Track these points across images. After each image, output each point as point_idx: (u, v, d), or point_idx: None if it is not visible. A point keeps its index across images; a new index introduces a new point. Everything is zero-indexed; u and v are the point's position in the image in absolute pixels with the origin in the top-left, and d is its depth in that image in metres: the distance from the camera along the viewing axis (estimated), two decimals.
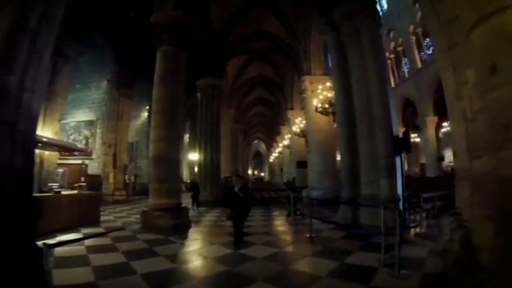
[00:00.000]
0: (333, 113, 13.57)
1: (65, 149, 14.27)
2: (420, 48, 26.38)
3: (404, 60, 28.99)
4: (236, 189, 7.11)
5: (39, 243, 3.42)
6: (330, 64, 13.76)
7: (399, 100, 27.50)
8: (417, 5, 23.79)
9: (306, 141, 18.72)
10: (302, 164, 16.13)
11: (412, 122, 28.04)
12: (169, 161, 9.27)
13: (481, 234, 3.09)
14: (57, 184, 10.62)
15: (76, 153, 16.33)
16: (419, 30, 25.62)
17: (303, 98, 17.77)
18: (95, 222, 9.53)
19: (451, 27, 3.54)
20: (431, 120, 25.02)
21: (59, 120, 15.20)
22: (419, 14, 24.40)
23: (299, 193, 14.35)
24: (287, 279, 4.64)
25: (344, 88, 10.03)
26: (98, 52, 17.47)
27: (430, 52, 24.85)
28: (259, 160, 78.94)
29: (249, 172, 64.08)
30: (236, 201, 6.91)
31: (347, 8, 9.61)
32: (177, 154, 9.80)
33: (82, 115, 18.90)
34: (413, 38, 26.58)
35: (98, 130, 18.36)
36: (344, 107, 10.02)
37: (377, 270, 4.73)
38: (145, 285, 4.26)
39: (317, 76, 16.58)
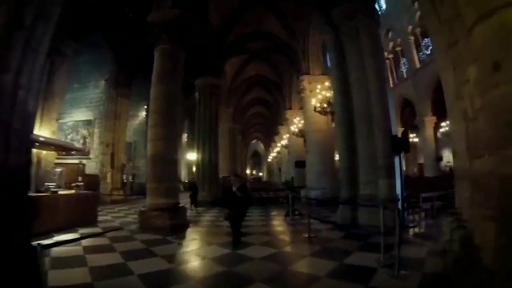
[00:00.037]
0: (332, 113, 13.55)
1: (63, 149, 14.20)
2: (418, 48, 26.41)
3: (403, 60, 29.01)
4: (234, 188, 7.06)
5: (34, 243, 3.36)
6: (328, 64, 13.73)
7: (398, 100, 27.53)
8: (415, 5, 23.87)
9: (305, 141, 18.71)
10: (300, 164, 16.11)
11: (411, 122, 28.06)
12: (167, 160, 9.22)
13: (482, 234, 3.06)
14: (54, 183, 10.55)
15: (73, 152, 16.24)
16: (418, 30, 25.64)
17: (302, 98, 17.74)
18: (93, 222, 9.47)
19: (452, 26, 3.51)
20: (430, 120, 25.04)
21: (57, 120, 15.14)
22: (418, 14, 24.46)
23: (297, 193, 14.30)
24: (285, 279, 4.61)
25: (343, 88, 10.00)
26: (96, 51, 17.44)
27: (429, 52, 24.90)
28: (258, 160, 78.93)
29: (248, 172, 64.06)
30: (234, 201, 6.86)
31: (346, 7, 9.58)
32: (175, 154, 9.75)
33: (80, 115, 18.80)
34: (412, 38, 26.58)
35: (96, 130, 18.27)
36: (343, 107, 9.99)
37: (377, 270, 4.70)
38: (142, 286, 4.21)
39: (316, 76, 16.56)
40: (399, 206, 8.12)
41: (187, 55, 10.50)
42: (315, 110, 14.43)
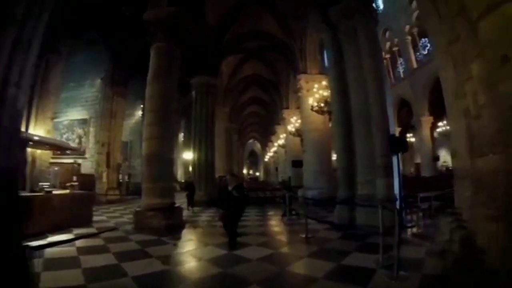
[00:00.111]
0: (329, 112, 13.53)
1: (57, 148, 14.10)
2: (415, 48, 26.41)
3: (400, 60, 29.03)
4: (230, 188, 6.98)
5: (24, 244, 3.27)
6: (326, 63, 13.69)
7: (394, 100, 27.53)
8: (413, 5, 23.95)
9: (302, 140, 18.66)
10: (297, 164, 16.02)
11: (407, 122, 28.09)
12: (162, 160, 9.12)
13: (486, 235, 2.99)
14: (48, 183, 10.44)
15: (68, 152, 16.15)
16: (415, 30, 25.69)
17: (299, 97, 17.68)
18: (88, 222, 9.36)
19: (454, 22, 3.44)
20: (427, 120, 25.08)
21: (52, 119, 15.05)
22: (415, 14, 24.51)
23: (294, 193, 14.24)
24: (282, 281, 4.54)
25: (340, 87, 9.95)
26: (93, 50, 17.32)
27: (426, 52, 24.95)
28: (254, 159, 78.83)
29: (244, 171, 63.98)
30: (230, 200, 6.78)
31: (344, 6, 9.53)
32: (170, 153, 9.67)
33: (75, 114, 18.65)
34: (409, 38, 26.62)
35: (92, 129, 18.13)
36: (341, 106, 9.94)
37: (375, 271, 4.63)
38: None
39: (313, 75, 16.48)
40: (397, 206, 8.06)
41: (183, 53, 10.42)
42: (312, 109, 14.39)
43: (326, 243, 6.80)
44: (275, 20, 17.15)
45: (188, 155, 22.94)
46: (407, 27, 26.31)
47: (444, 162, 28.41)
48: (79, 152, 17.61)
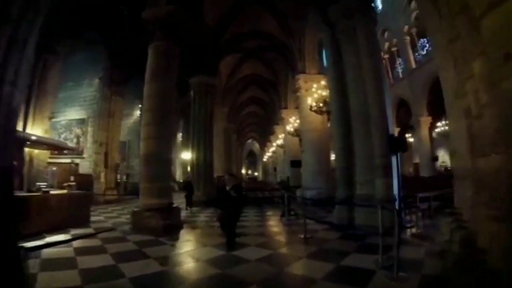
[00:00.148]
0: (328, 112, 13.51)
1: (55, 148, 14.07)
2: (414, 48, 26.42)
3: (398, 61, 29.03)
4: (228, 188, 6.93)
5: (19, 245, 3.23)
6: (325, 63, 13.65)
7: (393, 100, 27.54)
8: (412, 5, 23.95)
9: (300, 140, 18.63)
10: (296, 164, 16.00)
11: (406, 122, 28.10)
12: (160, 159, 9.06)
13: (487, 235, 2.95)
14: (45, 183, 10.39)
15: (65, 151, 16.11)
16: (414, 30, 25.68)
17: (297, 97, 17.65)
18: (85, 223, 9.30)
19: (455, 20, 3.40)
20: (425, 120, 25.10)
21: (50, 118, 15.00)
22: (414, 14, 24.54)
23: (293, 193, 14.22)
24: (281, 282, 4.50)
25: (339, 87, 9.91)
26: (91, 49, 17.27)
27: (424, 52, 24.96)
28: (253, 159, 78.83)
29: (243, 171, 63.97)
30: (228, 201, 6.73)
31: (343, 5, 9.50)
32: (168, 153, 9.62)
33: (73, 113, 18.63)
34: (408, 38, 26.63)
35: (90, 129, 18.11)
36: (339, 106, 9.90)
37: (375, 272, 4.59)
38: None
39: (312, 75, 16.45)
40: (396, 206, 8.03)
41: (181, 53, 10.37)
42: (311, 109, 14.35)
43: (325, 244, 6.75)
44: (275, 20, 17.14)
45: (187, 155, 22.87)
46: (406, 27, 26.31)
47: (443, 162, 28.42)
48: (77, 152, 17.61)
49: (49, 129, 14.95)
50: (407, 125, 27.76)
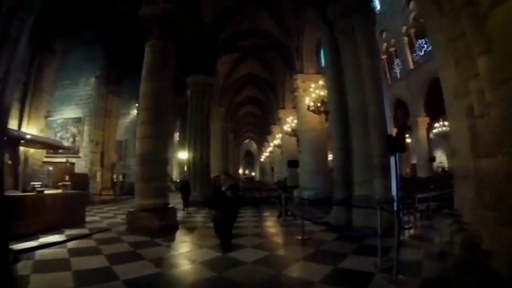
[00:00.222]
0: (325, 112, 13.46)
1: (50, 147, 13.97)
2: (412, 49, 26.42)
3: (396, 61, 29.05)
4: (224, 188, 6.84)
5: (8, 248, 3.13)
6: (322, 63, 13.60)
7: (391, 101, 27.52)
8: (410, 5, 23.91)
9: (298, 140, 18.61)
10: (293, 164, 15.93)
11: (404, 123, 28.09)
12: (156, 159, 8.97)
13: (491, 238, 2.88)
14: (40, 183, 10.29)
15: (60, 151, 15.99)
16: (412, 31, 25.65)
17: (295, 97, 17.63)
18: (80, 223, 9.22)
19: (458, 17, 3.31)
20: (423, 120, 25.07)
21: (46, 117, 14.90)
22: (412, 15, 24.55)
23: (290, 193, 14.15)
24: (278, 285, 4.44)
25: (337, 86, 9.86)
26: (88, 48, 17.14)
27: (423, 53, 25.00)
28: (250, 159, 78.86)
29: (240, 171, 63.94)
30: (223, 201, 6.64)
31: (342, 4, 9.45)
32: (164, 152, 9.53)
33: (69, 112, 18.54)
34: (406, 39, 26.60)
35: (86, 128, 18.03)
36: (338, 106, 9.85)
37: (373, 275, 4.51)
38: None
39: (310, 75, 16.40)
40: (394, 207, 7.97)
41: (179, 51, 10.30)
42: (308, 109, 14.31)
43: (322, 245, 6.68)
44: (273, 19, 17.08)
45: (184, 155, 22.79)
46: (404, 28, 26.28)
47: (440, 163, 28.43)
48: (73, 151, 17.50)
49: (45, 128, 14.84)
50: (405, 126, 27.74)
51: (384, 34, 29.14)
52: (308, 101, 14.41)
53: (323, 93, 13.37)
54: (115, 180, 20.32)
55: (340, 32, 9.65)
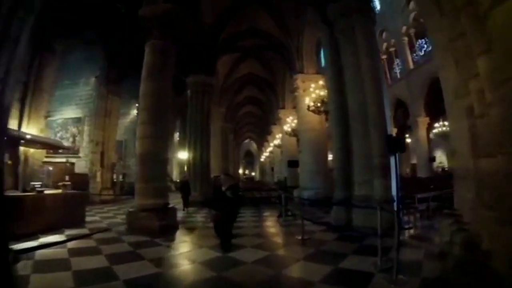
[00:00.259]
0: (325, 112, 13.45)
1: (50, 147, 13.96)
2: (412, 49, 26.40)
3: (396, 61, 29.04)
4: (223, 188, 6.83)
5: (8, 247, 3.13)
6: (322, 63, 13.59)
7: (391, 101, 27.50)
8: (410, 5, 23.91)
9: (298, 140, 18.60)
10: (293, 164, 15.92)
11: (404, 123, 28.09)
12: (156, 159, 8.96)
13: (492, 239, 2.87)
14: (40, 183, 10.29)
15: (60, 151, 15.99)
16: (412, 31, 25.64)
17: (295, 97, 17.62)
18: (80, 223, 9.21)
19: (458, 16, 3.31)
20: (423, 121, 25.06)
21: (46, 117, 14.89)
22: (412, 15, 24.54)
23: (290, 193, 14.14)
24: (278, 285, 4.44)
25: (337, 86, 9.85)
26: (88, 48, 17.12)
27: (423, 53, 24.99)
28: (250, 159, 78.83)
29: (240, 171, 63.93)
30: (223, 201, 6.63)
31: (342, 4, 9.44)
32: (164, 152, 9.52)
33: (69, 112, 18.53)
34: (406, 39, 26.59)
35: (86, 128, 18.03)
36: (338, 106, 9.84)
37: (373, 275, 4.51)
38: None
39: (310, 75, 16.38)
40: (395, 207, 7.96)
41: (179, 51, 10.29)
42: (308, 109, 14.30)
43: (322, 245, 6.68)
44: (273, 19, 17.08)
45: (184, 155, 22.77)
46: (404, 28, 26.28)
47: (440, 163, 28.40)
48: (72, 151, 17.48)
49: (45, 128, 14.84)
50: (404, 126, 27.73)
51: (384, 34, 29.13)
52: (308, 101, 14.40)
53: (323, 93, 13.36)
54: (115, 180, 20.31)
55: (340, 32, 9.64)
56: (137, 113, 21.37)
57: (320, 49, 15.64)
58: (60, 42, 14.48)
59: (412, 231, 8.19)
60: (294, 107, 19.84)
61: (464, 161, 3.93)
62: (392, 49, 29.16)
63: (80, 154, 17.77)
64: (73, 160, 17.47)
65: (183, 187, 13.89)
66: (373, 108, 8.72)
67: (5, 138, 3.58)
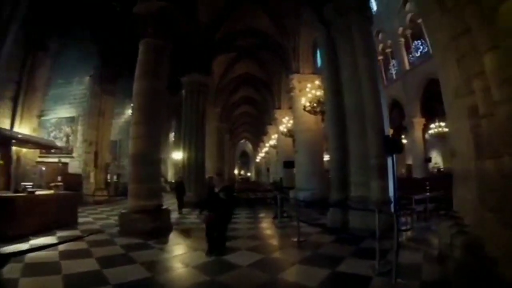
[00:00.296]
0: (322, 112, 13.38)
1: (42, 147, 13.75)
2: (408, 50, 26.40)
3: (392, 62, 29.02)
4: (216, 190, 6.69)
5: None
6: (319, 63, 13.51)
7: (387, 101, 27.46)
8: (406, 6, 23.91)
9: (294, 141, 18.52)
10: (289, 164, 15.82)
11: (399, 124, 28.11)
12: (149, 160, 8.79)
13: (497, 242, 2.77)
14: (31, 183, 10.10)
15: (53, 150, 15.78)
16: (408, 32, 25.66)
17: (291, 97, 17.52)
18: (72, 224, 9.10)
19: (463, 12, 3.20)
20: (419, 121, 25.11)
21: (39, 116, 14.65)
22: (409, 16, 24.57)
23: (286, 194, 14.05)
24: None
25: (334, 86, 9.80)
26: (82, 47, 16.93)
27: (419, 54, 24.97)
28: (246, 160, 78.78)
29: (236, 172, 63.87)
30: (216, 202, 6.48)
31: (338, 4, 9.39)
32: (158, 153, 9.35)
33: (63, 111, 18.30)
34: (402, 40, 26.59)
35: (80, 127, 17.80)
36: (334, 105, 9.78)
37: (372, 279, 4.42)
38: None
39: (306, 75, 16.31)
40: (392, 209, 7.88)
41: (174, 50, 10.16)
42: (304, 109, 14.21)
43: (319, 248, 6.58)
44: (269, 18, 16.97)
45: (179, 155, 22.64)
46: (400, 29, 26.28)
47: (436, 163, 28.48)
48: (66, 151, 17.28)
49: (38, 128, 14.60)
50: (400, 126, 27.75)
51: (380, 35, 29.12)
52: (304, 101, 14.32)
53: (319, 93, 13.29)
54: (109, 181, 20.16)
55: (337, 31, 9.59)
56: (131, 113, 21.26)
57: (317, 50, 15.56)
58: (54, 40, 14.26)
59: (409, 233, 8.08)
60: (290, 108, 19.79)
61: (464, 161, 3.83)
62: (388, 50, 29.14)
63: (74, 154, 17.55)
64: (66, 160, 17.23)
65: (178, 188, 13.75)
66: (371, 107, 8.65)
67: None
